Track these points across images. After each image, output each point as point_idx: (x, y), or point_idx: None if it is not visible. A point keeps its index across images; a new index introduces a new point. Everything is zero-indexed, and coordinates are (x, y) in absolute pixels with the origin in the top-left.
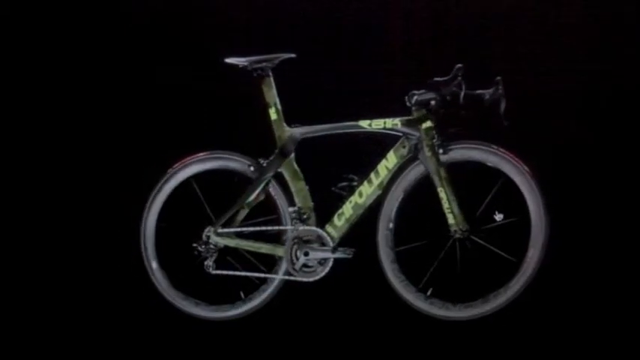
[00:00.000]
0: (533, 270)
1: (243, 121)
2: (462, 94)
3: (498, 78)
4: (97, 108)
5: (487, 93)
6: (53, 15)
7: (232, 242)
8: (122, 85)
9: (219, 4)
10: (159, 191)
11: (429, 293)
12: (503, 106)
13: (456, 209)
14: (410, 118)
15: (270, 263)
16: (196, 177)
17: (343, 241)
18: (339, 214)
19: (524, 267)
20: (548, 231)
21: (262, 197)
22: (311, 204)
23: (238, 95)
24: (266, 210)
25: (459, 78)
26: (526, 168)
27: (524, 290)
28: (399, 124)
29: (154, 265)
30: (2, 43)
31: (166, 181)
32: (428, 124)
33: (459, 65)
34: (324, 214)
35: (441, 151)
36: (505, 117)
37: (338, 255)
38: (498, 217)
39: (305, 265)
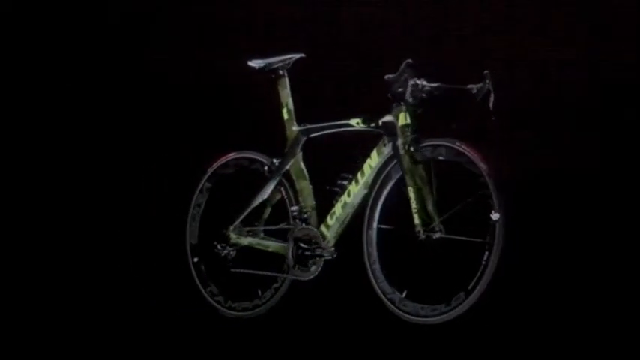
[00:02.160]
0: (491, 271)
1: (244, 121)
2: (409, 90)
3: (486, 72)
4: (107, 111)
5: (475, 87)
6: (73, 19)
7: (245, 241)
8: (129, 87)
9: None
10: (201, 190)
11: (403, 295)
12: (491, 100)
13: (431, 208)
14: (388, 115)
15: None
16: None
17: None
18: (331, 214)
19: (482, 269)
20: (503, 232)
21: (279, 196)
22: (313, 203)
23: (241, 96)
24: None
25: (406, 75)
26: (484, 166)
27: (485, 293)
28: (380, 122)
29: (196, 259)
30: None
31: (207, 180)
32: (403, 121)
33: (408, 61)
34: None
35: (412, 149)
36: (493, 111)
37: (321, 254)
38: (495, 216)
39: (303, 264)
